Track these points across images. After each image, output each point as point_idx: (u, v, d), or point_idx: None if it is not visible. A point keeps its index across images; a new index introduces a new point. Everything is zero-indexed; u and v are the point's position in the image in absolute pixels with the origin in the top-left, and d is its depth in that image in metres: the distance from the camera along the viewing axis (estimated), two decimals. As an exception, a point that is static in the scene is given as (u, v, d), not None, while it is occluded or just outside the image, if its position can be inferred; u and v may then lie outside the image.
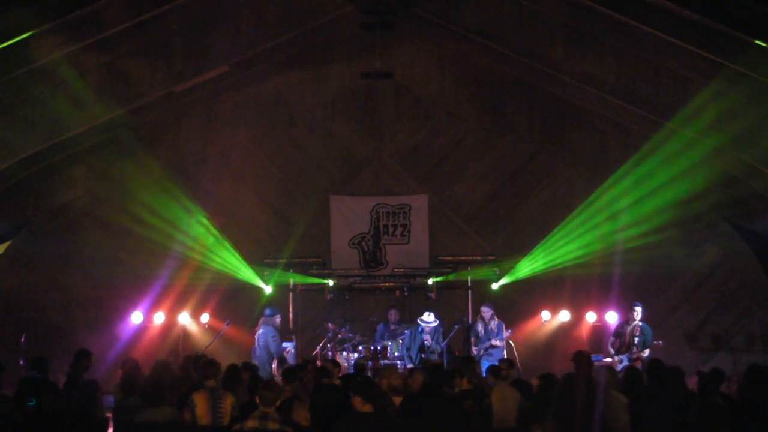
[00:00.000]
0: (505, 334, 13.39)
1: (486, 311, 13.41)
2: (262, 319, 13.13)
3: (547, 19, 12.31)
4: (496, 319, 13.39)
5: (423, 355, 13.05)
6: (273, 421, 6.67)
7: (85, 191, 14.48)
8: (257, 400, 6.88)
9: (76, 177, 14.31)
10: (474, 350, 13.25)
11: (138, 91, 12.63)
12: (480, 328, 13.38)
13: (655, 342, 12.46)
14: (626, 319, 12.80)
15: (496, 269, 14.50)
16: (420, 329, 13.23)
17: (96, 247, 14.57)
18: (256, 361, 12.22)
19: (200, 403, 7.75)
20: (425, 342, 13.09)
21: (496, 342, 13.17)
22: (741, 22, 9.62)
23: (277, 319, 13.13)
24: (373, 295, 15.08)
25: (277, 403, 6.92)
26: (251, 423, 6.68)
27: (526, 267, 14.51)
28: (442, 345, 13.31)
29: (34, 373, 9.46)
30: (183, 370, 9.87)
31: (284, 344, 13.39)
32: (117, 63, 12.17)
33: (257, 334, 13.02)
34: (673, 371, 7.97)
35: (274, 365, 12.67)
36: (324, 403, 7.15)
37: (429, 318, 13.25)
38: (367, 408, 6.53)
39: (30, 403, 7.82)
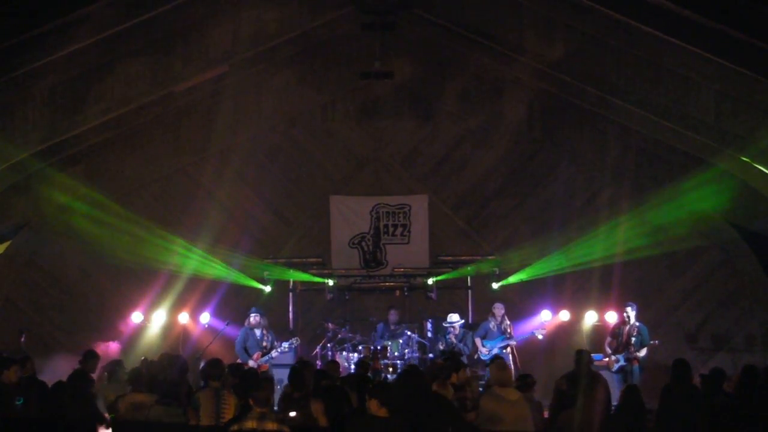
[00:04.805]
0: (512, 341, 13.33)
1: (499, 308, 13.34)
2: None
3: (547, 19, 12.30)
4: (507, 318, 13.36)
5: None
6: (271, 421, 6.64)
7: (85, 191, 14.47)
8: (251, 402, 6.85)
9: (77, 177, 14.30)
10: (484, 350, 13.12)
11: (138, 91, 12.63)
12: (492, 325, 13.28)
13: (651, 341, 12.46)
14: (622, 320, 12.80)
15: (496, 269, 14.49)
16: (448, 332, 13.24)
17: (95, 247, 14.56)
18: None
19: (205, 403, 7.76)
20: (450, 341, 13.07)
21: (514, 342, 13.13)
22: (741, 22, 9.62)
23: (250, 319, 13.00)
24: (373, 295, 15.06)
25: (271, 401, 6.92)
26: (250, 423, 6.65)
27: (527, 269, 14.50)
28: (470, 347, 13.24)
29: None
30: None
31: (284, 344, 13.23)
32: (117, 63, 12.17)
33: None
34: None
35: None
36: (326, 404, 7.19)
37: (453, 318, 13.29)
38: (383, 413, 6.35)
39: (18, 402, 7.81)
